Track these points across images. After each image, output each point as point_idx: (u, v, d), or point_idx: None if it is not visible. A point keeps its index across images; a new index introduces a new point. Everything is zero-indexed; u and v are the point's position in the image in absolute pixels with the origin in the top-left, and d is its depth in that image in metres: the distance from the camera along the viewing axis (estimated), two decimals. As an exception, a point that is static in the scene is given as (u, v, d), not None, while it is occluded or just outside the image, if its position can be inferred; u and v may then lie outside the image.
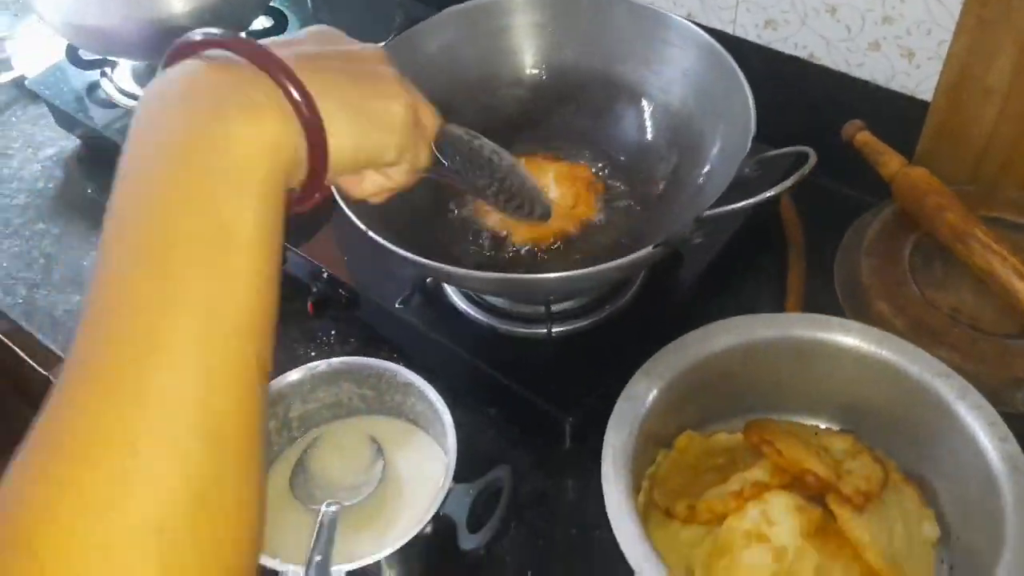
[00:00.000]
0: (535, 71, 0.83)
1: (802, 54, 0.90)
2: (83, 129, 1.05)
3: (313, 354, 0.87)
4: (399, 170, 0.50)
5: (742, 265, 0.87)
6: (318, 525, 0.69)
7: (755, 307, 0.84)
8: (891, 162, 0.79)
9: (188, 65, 0.41)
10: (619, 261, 0.60)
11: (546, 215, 0.60)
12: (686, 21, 0.77)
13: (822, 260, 0.85)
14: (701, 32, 0.76)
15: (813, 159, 0.60)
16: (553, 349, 0.77)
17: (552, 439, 0.77)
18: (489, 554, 0.71)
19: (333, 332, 0.88)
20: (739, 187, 0.65)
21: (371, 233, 0.64)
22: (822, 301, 0.82)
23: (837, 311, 0.78)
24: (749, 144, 0.65)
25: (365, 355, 0.85)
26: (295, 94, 0.40)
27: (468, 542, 0.64)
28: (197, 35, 0.41)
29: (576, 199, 0.76)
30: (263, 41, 0.43)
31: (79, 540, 0.32)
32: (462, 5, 0.80)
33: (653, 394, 0.68)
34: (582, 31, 0.81)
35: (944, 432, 0.66)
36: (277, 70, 0.40)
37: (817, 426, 0.75)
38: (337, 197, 0.68)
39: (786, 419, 0.75)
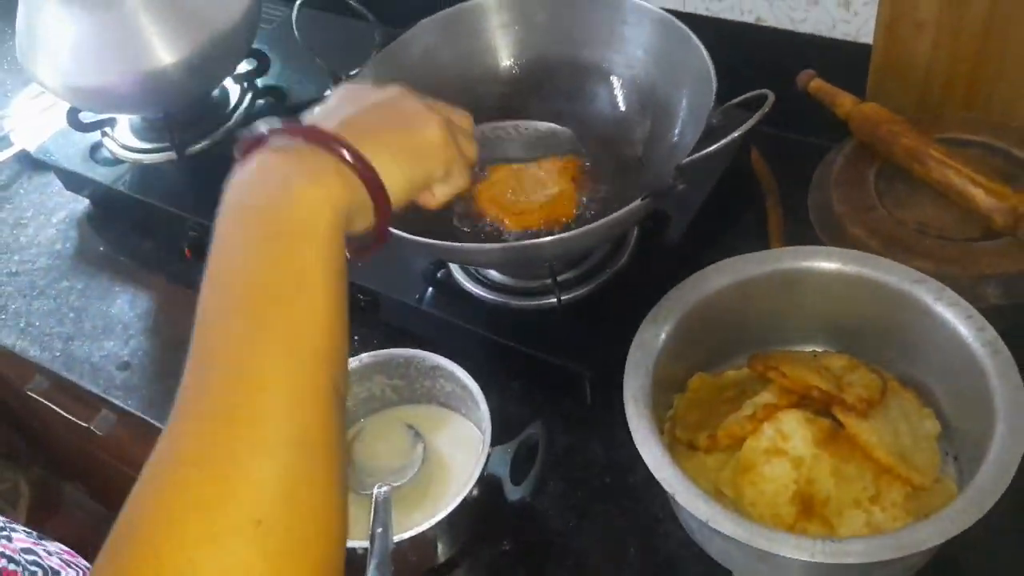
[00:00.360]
0: (509, 65, 0.90)
1: (749, 19, 0.97)
2: (92, 188, 1.11)
3: (341, 359, 0.93)
4: (456, 175, 0.59)
5: (725, 219, 0.94)
6: (373, 505, 0.74)
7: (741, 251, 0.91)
8: (844, 102, 0.86)
9: (258, 156, 0.50)
10: (610, 217, 0.66)
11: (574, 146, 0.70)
12: (640, 1, 0.84)
13: (797, 203, 0.92)
14: (654, 8, 0.83)
15: (771, 98, 0.67)
16: (564, 316, 0.83)
17: (575, 398, 0.83)
18: (534, 508, 0.77)
19: (356, 338, 0.94)
20: (711, 137, 0.71)
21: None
22: (802, 238, 0.88)
23: (817, 243, 0.85)
24: (713, 97, 0.72)
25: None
26: (348, 157, 0.50)
27: (514, 493, 0.70)
28: (261, 127, 0.51)
29: (561, 194, 0.83)
30: (311, 118, 0.53)
31: (192, 532, 0.38)
32: (434, 16, 0.87)
33: (661, 338, 0.74)
34: (546, 25, 0.88)
35: (929, 333, 0.73)
36: (330, 141, 0.50)
37: (815, 350, 0.81)
38: None
39: (785, 348, 0.81)
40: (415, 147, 0.55)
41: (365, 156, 0.50)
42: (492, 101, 0.89)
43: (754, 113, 0.65)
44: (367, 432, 0.84)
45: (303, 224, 0.47)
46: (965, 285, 0.74)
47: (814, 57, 0.95)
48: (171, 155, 1.06)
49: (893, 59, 0.89)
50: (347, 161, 0.50)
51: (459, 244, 0.70)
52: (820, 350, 0.81)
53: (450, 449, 0.82)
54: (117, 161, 1.09)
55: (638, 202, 0.67)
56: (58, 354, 1.00)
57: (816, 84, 0.89)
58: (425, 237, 0.70)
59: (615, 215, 0.66)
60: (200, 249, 1.01)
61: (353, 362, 0.82)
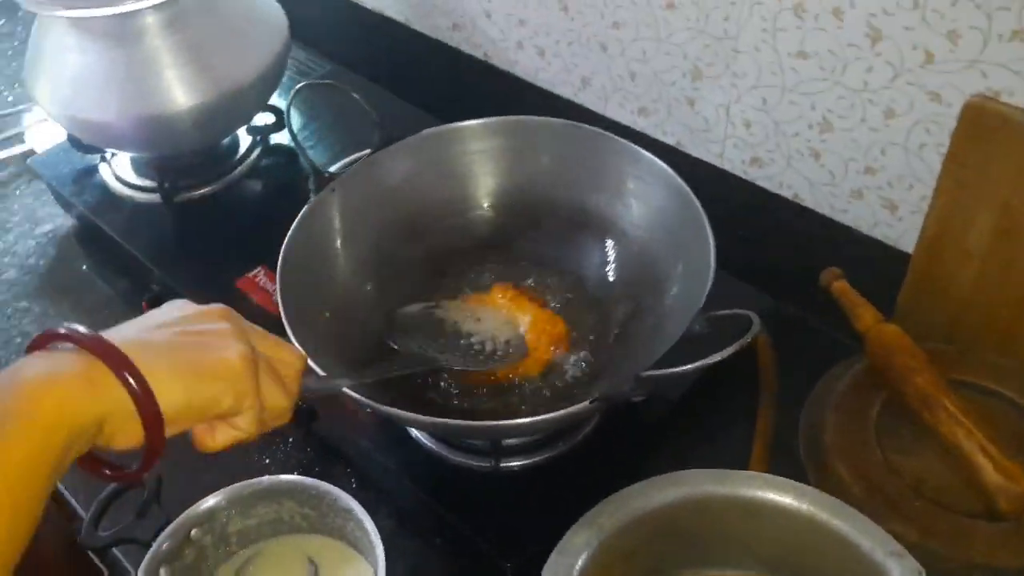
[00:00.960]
0: (502, 197, 0.83)
1: (787, 193, 0.89)
2: (77, 211, 1.06)
3: (267, 461, 0.86)
4: (245, 418, 0.53)
5: (712, 404, 0.85)
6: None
7: (722, 442, 0.82)
8: (865, 315, 0.77)
9: (33, 356, 0.47)
10: (553, 414, 0.59)
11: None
12: (656, 160, 0.77)
13: (799, 403, 0.83)
14: (672, 174, 0.75)
15: (756, 325, 0.58)
16: (501, 485, 0.75)
17: (495, 579, 0.74)
18: None
19: (291, 440, 0.87)
20: (690, 343, 0.63)
21: (314, 366, 0.63)
22: (790, 450, 0.79)
23: (800, 466, 0.76)
24: (702, 301, 0.64)
25: (321, 466, 0.84)
26: (116, 367, 0.46)
27: None
28: (59, 329, 0.47)
29: (539, 346, 0.75)
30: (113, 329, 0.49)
31: None
32: (431, 131, 0.80)
33: (591, 548, 0.65)
34: (552, 164, 0.81)
35: (894, 615, 0.63)
36: (96, 347, 0.46)
37: (768, 589, 0.71)
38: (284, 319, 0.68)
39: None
40: (203, 366, 0.50)
41: (137, 368, 0.46)
42: (480, 228, 0.82)
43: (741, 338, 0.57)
44: (265, 557, 0.77)
45: (22, 415, 0.43)
46: (949, 569, 0.64)
47: (848, 250, 0.86)
48: (158, 198, 1.01)
49: (931, 280, 0.79)
50: (116, 371, 0.46)
51: (390, 409, 0.62)
52: (775, 590, 0.72)
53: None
54: (106, 191, 1.04)
55: (585, 404, 0.59)
56: (-9, 381, 0.95)
57: (840, 287, 0.80)
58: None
59: (554, 415, 0.58)
60: (156, 303, 0.95)
61: (265, 480, 0.75)
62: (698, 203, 0.72)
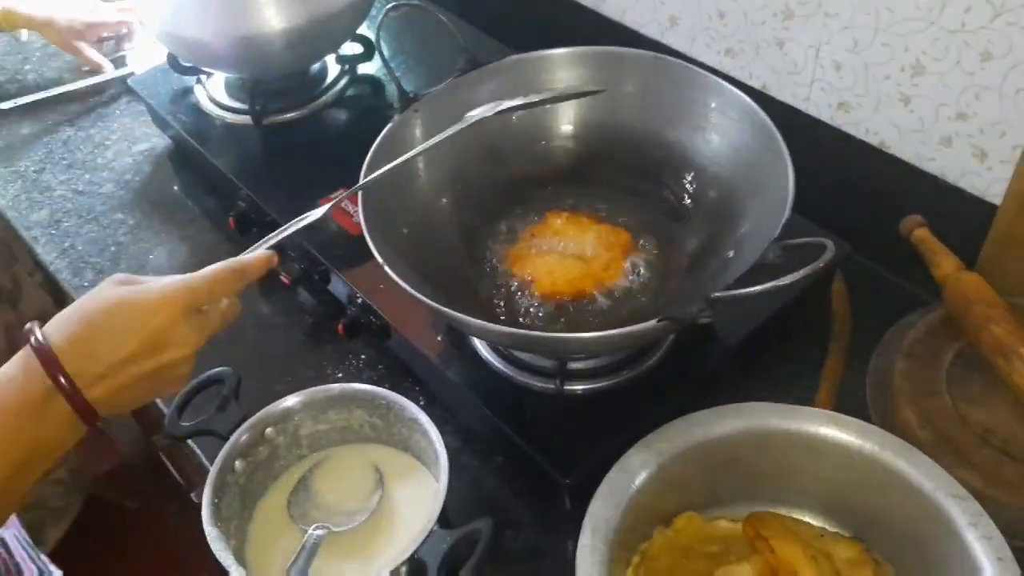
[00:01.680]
0: (584, 126, 0.83)
1: (873, 140, 0.87)
2: (172, 131, 1.10)
3: (340, 375, 0.89)
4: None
5: (780, 347, 0.85)
6: (301, 547, 0.70)
7: (786, 391, 0.80)
8: (945, 264, 0.76)
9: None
10: (619, 331, 0.59)
11: None
12: (742, 94, 0.76)
13: (868, 354, 0.82)
14: (756, 108, 0.74)
15: (830, 251, 0.58)
16: (564, 407, 0.76)
17: (553, 497, 0.76)
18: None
19: (363, 357, 0.90)
20: (767, 271, 0.63)
21: (391, 272, 0.65)
22: (857, 397, 0.78)
23: (866, 412, 0.75)
24: (778, 230, 0.63)
25: (391, 383, 0.86)
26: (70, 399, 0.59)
27: (446, 602, 0.64)
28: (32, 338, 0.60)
29: (609, 262, 0.76)
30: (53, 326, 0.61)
31: None
32: (504, 60, 0.81)
33: (649, 469, 0.67)
34: (635, 94, 0.81)
35: (951, 556, 0.63)
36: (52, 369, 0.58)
37: (825, 528, 0.72)
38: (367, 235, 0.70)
39: (794, 514, 0.72)
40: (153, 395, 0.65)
41: (87, 400, 0.59)
42: (561, 158, 0.83)
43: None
44: (332, 462, 0.79)
45: None
46: (1010, 517, 0.63)
47: (933, 201, 0.84)
48: (249, 120, 1.04)
49: (1019, 231, 0.77)
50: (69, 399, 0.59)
51: (460, 315, 0.64)
52: (832, 530, 0.72)
53: (407, 506, 0.76)
54: (200, 112, 1.08)
55: (653, 323, 0.59)
56: (85, 284, 1.00)
57: (921, 234, 0.79)
58: (444, 284, 0.64)
59: (622, 330, 0.59)
60: (244, 222, 0.98)
61: (337, 387, 0.78)
62: (779, 136, 0.71)
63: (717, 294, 0.58)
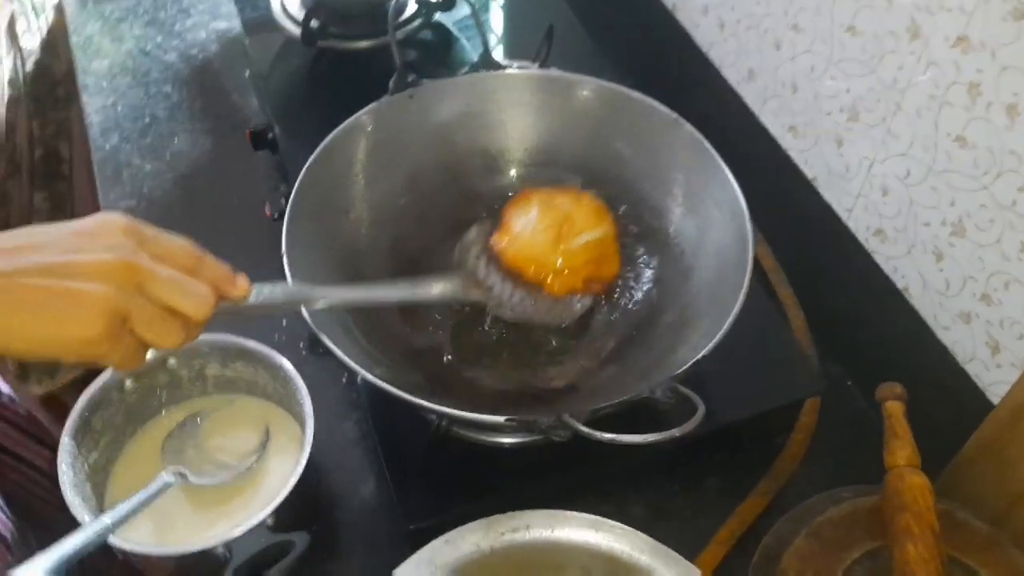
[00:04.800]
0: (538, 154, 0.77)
1: (898, 282, 0.76)
2: (241, 19, 1.09)
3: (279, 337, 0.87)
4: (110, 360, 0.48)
5: (729, 459, 0.78)
6: (145, 489, 0.70)
7: (701, 511, 0.75)
8: (898, 452, 0.66)
9: None
10: (463, 412, 0.55)
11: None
12: (740, 194, 0.68)
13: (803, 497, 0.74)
14: (746, 209, 0.66)
15: (697, 417, 0.52)
16: (446, 451, 0.72)
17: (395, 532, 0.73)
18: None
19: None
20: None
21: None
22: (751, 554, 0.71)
23: None
24: (682, 368, 0.57)
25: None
26: None
27: (223, 583, 0.63)
28: None
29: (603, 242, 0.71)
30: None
31: None
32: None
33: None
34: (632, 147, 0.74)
35: None
36: None
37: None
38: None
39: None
40: (44, 293, 0.45)
41: None
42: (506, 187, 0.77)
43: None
44: (233, 409, 0.79)
45: None
46: None
47: (937, 370, 0.74)
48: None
49: (1002, 447, 0.67)
50: None
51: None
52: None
53: (275, 480, 0.75)
54: (269, 11, 1.06)
55: (501, 419, 0.55)
56: (108, 147, 1.02)
57: (892, 408, 0.69)
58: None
59: (464, 414, 0.55)
60: (257, 139, 0.97)
61: (248, 343, 0.76)
62: (750, 262, 0.63)
63: (569, 418, 0.53)
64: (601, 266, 0.71)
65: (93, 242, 0.47)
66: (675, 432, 0.51)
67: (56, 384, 1.59)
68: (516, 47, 1.05)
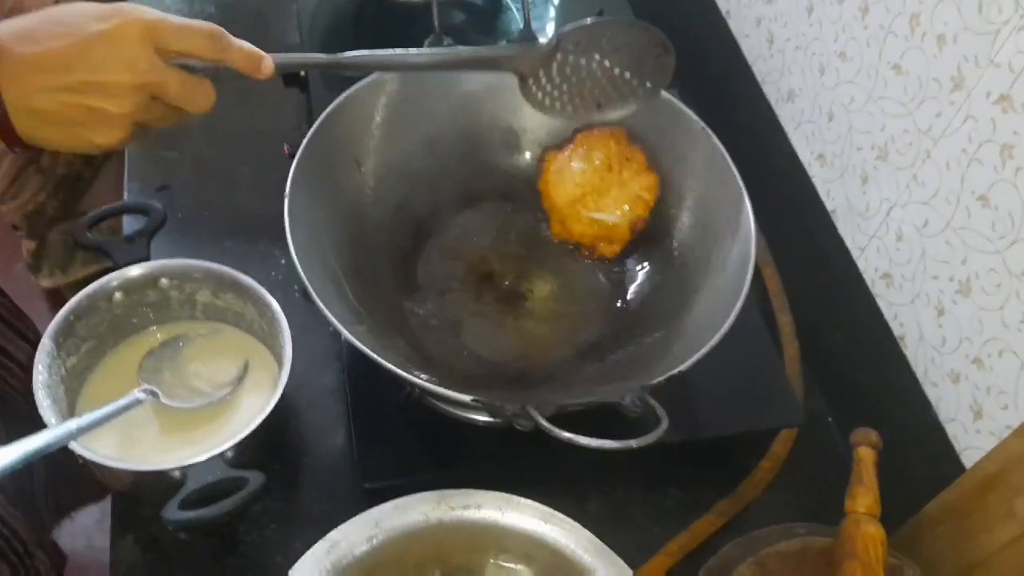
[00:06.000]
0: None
1: (896, 330, 0.75)
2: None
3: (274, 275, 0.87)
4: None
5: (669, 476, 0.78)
6: (115, 402, 0.71)
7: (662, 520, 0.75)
8: (860, 499, 0.66)
9: None
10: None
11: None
12: (751, 216, 0.67)
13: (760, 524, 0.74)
14: (754, 233, 0.65)
15: (663, 427, 0.51)
16: (412, 418, 0.72)
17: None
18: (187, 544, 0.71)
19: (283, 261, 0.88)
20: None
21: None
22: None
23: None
24: (658, 378, 0.56)
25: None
26: None
27: (170, 512, 0.64)
28: None
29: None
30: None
31: None
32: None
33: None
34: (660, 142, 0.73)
35: None
36: None
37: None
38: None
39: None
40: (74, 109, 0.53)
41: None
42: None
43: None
44: (218, 338, 0.79)
45: None
46: None
47: (918, 424, 0.73)
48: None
49: (967, 513, 0.66)
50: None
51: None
52: None
53: (244, 414, 0.76)
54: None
55: (467, 397, 0.55)
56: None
57: (863, 453, 0.68)
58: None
59: (440, 392, 0.55)
60: (291, 75, 0.96)
61: (241, 277, 0.76)
62: (748, 281, 0.62)
63: (533, 409, 0.53)
64: (600, 244, 0.72)
65: (113, 56, 0.52)
66: (632, 443, 0.50)
67: (67, 279, 1.61)
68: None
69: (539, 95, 0.63)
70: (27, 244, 1.54)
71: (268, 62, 0.58)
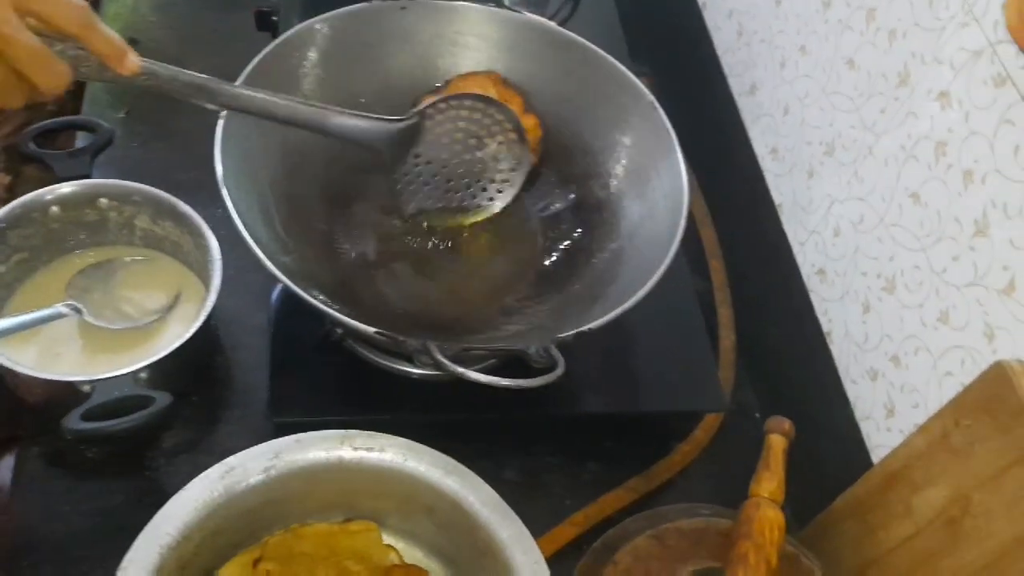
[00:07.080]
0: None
1: (824, 325, 0.75)
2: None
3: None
4: None
5: (589, 450, 0.77)
6: (38, 312, 0.70)
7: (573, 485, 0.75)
8: (764, 483, 0.66)
9: None
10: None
11: None
12: (686, 187, 0.67)
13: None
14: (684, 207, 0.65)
15: (559, 370, 0.51)
16: (330, 359, 0.72)
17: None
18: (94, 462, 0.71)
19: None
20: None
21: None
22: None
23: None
24: (565, 334, 0.56)
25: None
26: None
27: (71, 421, 0.63)
28: None
29: None
30: None
31: None
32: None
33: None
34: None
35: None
36: None
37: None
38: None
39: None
40: None
41: None
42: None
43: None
44: (152, 265, 0.79)
45: None
46: None
47: (836, 420, 0.73)
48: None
49: (869, 509, 0.66)
50: None
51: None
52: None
53: (169, 338, 0.75)
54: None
55: (372, 330, 0.54)
56: None
57: (774, 441, 0.68)
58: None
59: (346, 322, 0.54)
60: (263, 19, 0.96)
61: (179, 204, 0.76)
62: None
63: (432, 345, 0.52)
64: None
65: None
66: (523, 383, 0.50)
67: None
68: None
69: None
70: None
71: (133, 59, 0.54)
